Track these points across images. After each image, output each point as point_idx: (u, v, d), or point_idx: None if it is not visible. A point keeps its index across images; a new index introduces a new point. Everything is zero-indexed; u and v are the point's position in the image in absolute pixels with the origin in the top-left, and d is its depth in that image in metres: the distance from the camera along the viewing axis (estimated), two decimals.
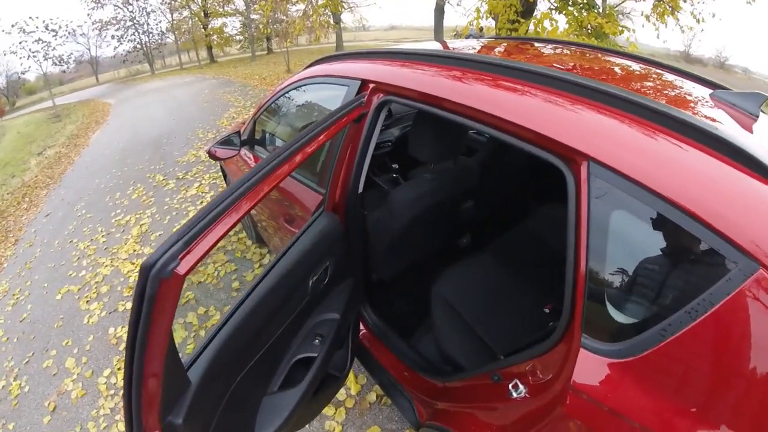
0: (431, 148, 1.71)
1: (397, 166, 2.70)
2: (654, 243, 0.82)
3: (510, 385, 1.08)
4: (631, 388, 0.80)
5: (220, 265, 3.24)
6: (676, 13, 4.89)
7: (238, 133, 2.59)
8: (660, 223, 0.79)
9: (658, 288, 0.82)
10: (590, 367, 0.86)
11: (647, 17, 5.01)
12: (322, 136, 1.20)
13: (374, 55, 1.53)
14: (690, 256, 0.79)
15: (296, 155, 1.10)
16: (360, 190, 1.56)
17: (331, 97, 1.73)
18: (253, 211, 2.62)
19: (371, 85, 1.46)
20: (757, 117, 1.00)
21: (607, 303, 0.87)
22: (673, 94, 1.25)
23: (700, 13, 5.15)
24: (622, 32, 4.95)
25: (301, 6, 11.62)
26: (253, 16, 16.45)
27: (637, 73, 1.41)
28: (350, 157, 1.52)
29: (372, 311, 1.82)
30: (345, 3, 10.38)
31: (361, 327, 1.85)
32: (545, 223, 2.20)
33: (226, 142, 2.54)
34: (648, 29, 5.19)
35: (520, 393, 1.06)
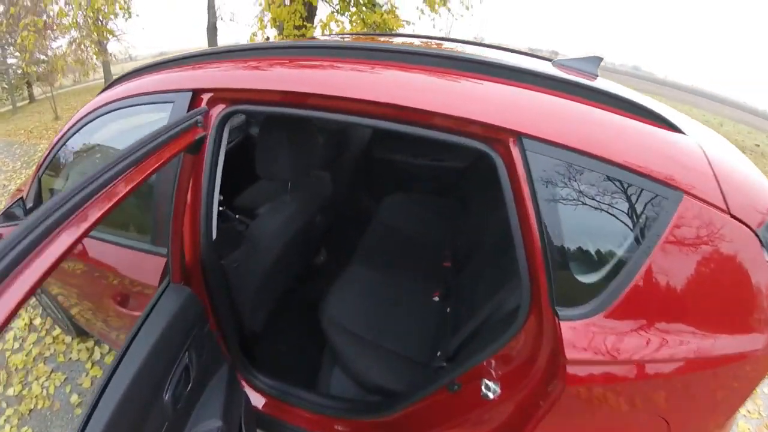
0: (290, 163, 1.40)
1: (221, 197, 2.33)
2: (597, 200, 0.83)
3: (482, 387, 0.98)
4: (615, 335, 0.82)
5: (44, 379, 2.40)
6: (447, 3, 5.62)
7: (21, 200, 1.87)
8: (596, 179, 0.82)
9: (614, 237, 0.84)
10: (576, 335, 0.83)
11: (421, 10, 5.62)
12: (135, 178, 0.73)
13: (205, 57, 1.19)
14: (631, 204, 0.83)
15: (85, 217, 0.62)
16: (213, 236, 1.23)
17: (150, 123, 1.31)
18: (60, 298, 1.97)
19: (207, 96, 1.13)
20: (597, 76, 1.10)
21: (571, 269, 0.85)
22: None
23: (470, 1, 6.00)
24: (402, 26, 5.45)
25: (62, 42, 9.96)
26: (10, 61, 12.56)
27: (490, 53, 1.44)
28: (194, 196, 1.16)
29: (259, 373, 1.49)
30: (111, 30, 8.88)
31: (254, 395, 1.49)
32: (393, 213, 2.22)
33: (7, 216, 1.81)
34: (425, 21, 5.82)
35: (494, 392, 0.97)
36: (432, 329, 1.59)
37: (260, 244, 1.37)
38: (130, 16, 6.56)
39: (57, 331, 2.68)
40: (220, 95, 1.12)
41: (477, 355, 1.05)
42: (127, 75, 1.38)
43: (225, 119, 1.12)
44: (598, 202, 0.83)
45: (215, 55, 1.17)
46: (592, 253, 0.86)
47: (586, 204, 0.83)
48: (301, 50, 1.06)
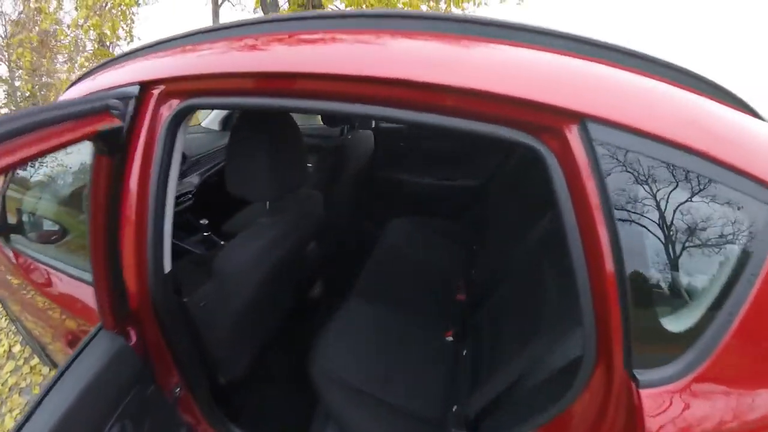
0: (268, 176, 1.11)
1: (206, 222, 2.09)
2: (692, 213, 0.61)
3: None
4: (716, 407, 0.61)
5: (18, 412, 2.26)
6: None
7: None
8: (695, 184, 0.61)
9: (712, 265, 0.62)
10: (661, 409, 0.60)
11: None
12: None
13: (161, 45, 0.95)
14: (735, 212, 0.61)
15: None
16: (167, 268, 0.98)
17: None
18: (35, 331, 1.73)
19: (157, 90, 0.89)
20: None
21: (656, 310, 0.63)
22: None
23: None
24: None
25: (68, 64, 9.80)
26: (17, 83, 12.64)
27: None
28: (139, 216, 0.91)
29: (239, 428, 1.21)
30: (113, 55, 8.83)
31: None
32: (397, 239, 1.95)
33: None
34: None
35: None
36: (445, 376, 1.32)
37: (230, 278, 1.11)
38: (132, 40, 6.52)
39: (35, 360, 2.50)
40: (174, 87, 0.87)
41: (512, 428, 0.78)
42: (79, 79, 1.15)
43: (179, 117, 0.87)
44: (693, 216, 0.60)
45: (173, 41, 0.93)
46: (683, 285, 0.62)
47: (678, 217, 0.60)
48: (278, 24, 0.82)
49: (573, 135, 0.60)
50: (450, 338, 1.46)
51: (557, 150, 0.62)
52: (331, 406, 1.21)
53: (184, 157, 2.17)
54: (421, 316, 1.53)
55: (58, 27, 6.97)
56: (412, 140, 2.39)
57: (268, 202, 1.22)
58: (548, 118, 0.61)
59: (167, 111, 0.88)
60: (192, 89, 0.86)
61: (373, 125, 2.43)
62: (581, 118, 0.59)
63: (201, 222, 2.08)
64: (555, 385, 0.74)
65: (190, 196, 2.13)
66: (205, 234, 2.07)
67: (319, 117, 2.45)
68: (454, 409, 1.19)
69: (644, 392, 0.60)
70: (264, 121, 1.10)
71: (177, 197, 2.03)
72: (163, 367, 1.05)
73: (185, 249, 1.95)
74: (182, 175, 2.16)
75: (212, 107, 0.88)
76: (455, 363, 1.36)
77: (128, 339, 0.95)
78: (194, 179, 2.20)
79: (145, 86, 0.89)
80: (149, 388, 0.94)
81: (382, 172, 2.44)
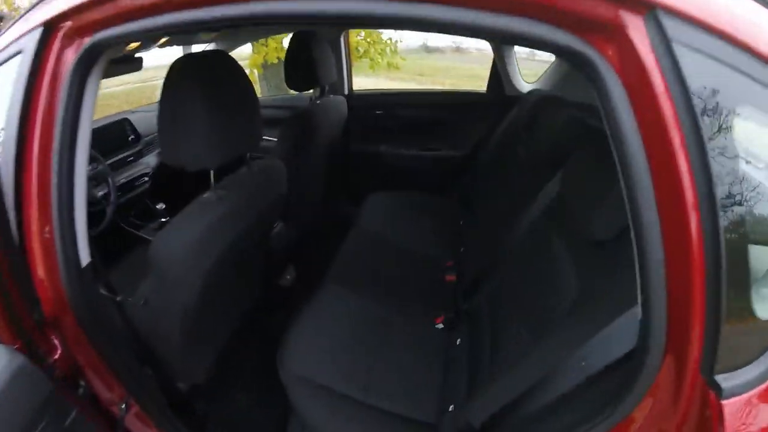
0: (204, 137, 0.85)
1: (163, 206, 1.85)
2: None
3: None
4: None
5: None
6: None
7: None
8: None
9: None
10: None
11: None
12: None
13: None
14: None
15: None
16: (84, 260, 0.78)
17: None
18: None
19: (62, 29, 0.71)
20: None
21: (751, 296, 0.47)
22: None
23: None
24: None
25: None
26: None
27: None
28: (42, 191, 0.73)
29: None
30: None
31: None
32: (377, 218, 1.77)
33: None
34: None
35: None
36: (437, 370, 1.15)
37: (169, 268, 0.89)
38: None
39: None
40: (82, 20, 0.69)
41: None
42: None
43: (88, 60, 0.71)
44: None
45: None
46: None
47: None
48: None
49: (639, 33, 0.40)
50: (440, 325, 1.29)
51: (615, 57, 0.42)
52: (306, 414, 1.03)
53: (137, 135, 1.93)
54: (406, 302, 1.36)
55: None
56: (390, 107, 2.17)
57: (212, 173, 0.97)
58: (600, 8, 0.41)
59: (73, 53, 0.71)
60: (100, 19, 0.67)
61: (346, 91, 2.18)
62: (651, 9, 0.40)
63: (158, 207, 1.85)
64: (595, 392, 0.59)
65: (147, 178, 1.89)
66: (163, 220, 1.85)
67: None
68: (450, 410, 1.02)
69: (727, 403, 0.45)
70: (198, 67, 0.87)
71: (132, 180, 1.82)
72: (102, 380, 0.89)
73: (142, 238, 1.72)
74: (138, 155, 1.93)
75: (127, 39, 0.66)
76: (448, 354, 1.19)
77: (50, 353, 0.81)
78: (151, 160, 1.97)
79: (49, 28, 0.72)
80: (69, 415, 0.74)
81: (358, 143, 2.21)
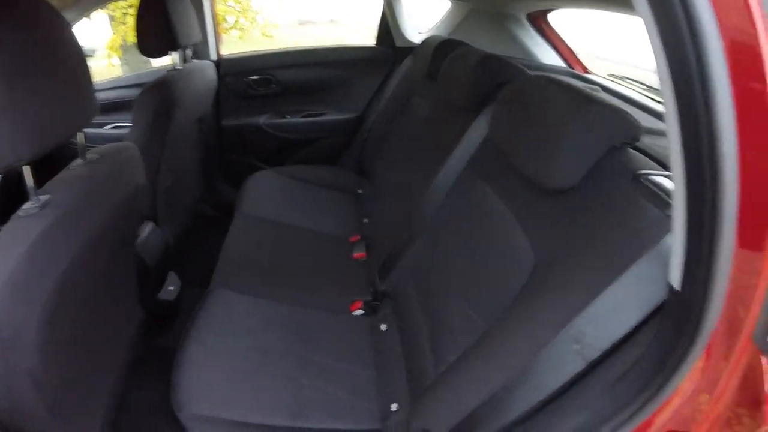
0: (10, 118, 0.55)
1: None
2: None
3: None
4: None
5: None
6: None
7: None
8: None
9: None
10: None
11: None
12: None
13: None
14: None
15: None
16: None
17: None
18: None
19: None
20: None
21: None
22: None
23: None
24: None
25: None
26: None
27: None
28: None
29: None
30: None
31: None
32: (261, 200, 1.53)
33: None
34: None
35: None
36: (368, 366, 0.97)
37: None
38: None
39: None
40: None
41: None
42: None
43: None
44: None
45: None
46: None
47: None
48: None
49: None
50: (359, 311, 1.11)
51: None
52: None
53: None
54: (312, 294, 1.15)
55: None
56: (265, 71, 1.87)
57: (27, 171, 0.64)
58: None
59: None
60: None
61: (214, 56, 1.82)
62: None
63: None
64: (609, 378, 0.51)
65: None
66: None
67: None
68: (394, 409, 0.86)
69: None
70: None
71: None
72: None
73: None
74: None
75: None
76: (375, 345, 1.02)
77: None
78: None
79: None
80: None
81: (232, 116, 1.89)
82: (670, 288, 0.47)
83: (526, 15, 1.73)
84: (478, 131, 1.00)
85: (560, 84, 0.80)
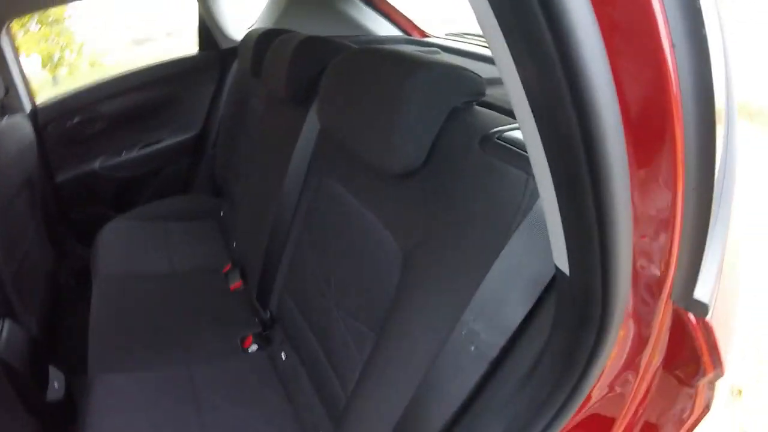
0: None
1: None
2: None
3: None
4: None
5: None
6: None
7: None
8: None
9: None
10: None
11: None
12: None
13: None
14: None
15: None
16: None
17: None
18: None
19: None
20: None
21: None
22: None
23: None
24: None
25: None
26: None
27: None
28: None
29: None
30: None
31: None
32: (118, 250, 1.35)
33: None
34: None
35: None
36: (283, 401, 0.89)
37: None
38: None
39: None
40: None
41: None
42: None
43: None
44: None
45: None
46: None
47: None
48: None
49: None
50: (254, 346, 1.01)
51: None
52: None
53: None
54: (198, 344, 1.02)
55: None
56: (88, 108, 1.61)
57: None
58: None
59: None
60: None
61: (27, 107, 1.53)
62: None
63: None
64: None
65: None
66: None
67: None
68: None
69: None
70: None
71: None
72: None
73: None
74: None
75: None
76: (282, 377, 0.93)
77: None
78: None
79: None
80: None
81: (65, 169, 1.62)
82: (559, 271, 0.39)
83: None
84: (312, 123, 0.93)
85: (383, 53, 0.73)
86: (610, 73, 0.26)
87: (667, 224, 0.32)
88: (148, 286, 1.20)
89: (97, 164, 1.64)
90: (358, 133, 0.71)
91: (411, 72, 0.60)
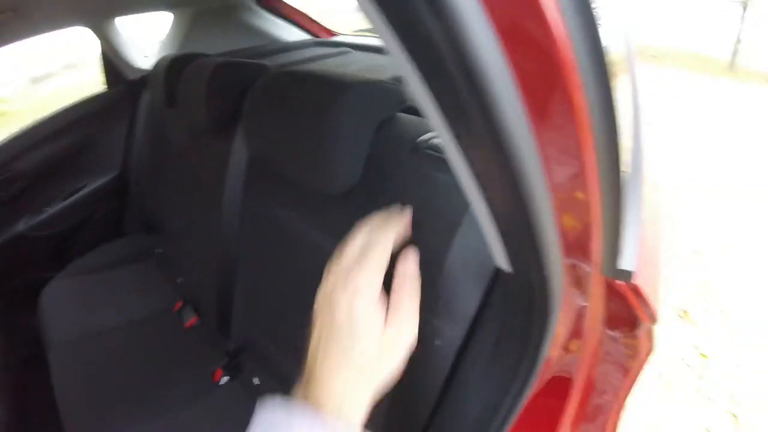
0: None
1: None
2: None
3: None
4: None
5: None
6: None
7: None
8: None
9: None
10: None
11: None
12: None
13: None
14: None
15: None
16: None
17: None
18: None
19: None
20: None
21: None
22: None
23: None
24: None
25: None
26: None
27: None
28: None
29: None
30: None
31: None
32: (66, 310, 1.28)
33: None
34: None
35: None
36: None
37: None
38: None
39: None
40: None
41: None
42: None
43: None
44: None
45: None
46: None
47: None
48: None
49: None
50: (225, 378, 1.00)
51: None
52: None
53: None
54: (169, 390, 1.00)
55: None
56: (3, 171, 1.48)
57: None
58: None
59: None
60: None
61: None
62: None
63: None
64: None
65: None
66: None
67: None
68: None
69: None
70: None
71: None
72: None
73: None
74: None
75: None
76: (258, 402, 0.93)
77: None
78: None
79: None
80: None
81: None
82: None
83: (255, 0, 1.67)
84: (240, 151, 0.91)
85: (306, 75, 0.72)
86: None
87: (587, 208, 0.35)
88: (107, 344, 1.15)
89: (21, 227, 1.52)
90: (291, 158, 0.71)
91: (337, 93, 0.61)
